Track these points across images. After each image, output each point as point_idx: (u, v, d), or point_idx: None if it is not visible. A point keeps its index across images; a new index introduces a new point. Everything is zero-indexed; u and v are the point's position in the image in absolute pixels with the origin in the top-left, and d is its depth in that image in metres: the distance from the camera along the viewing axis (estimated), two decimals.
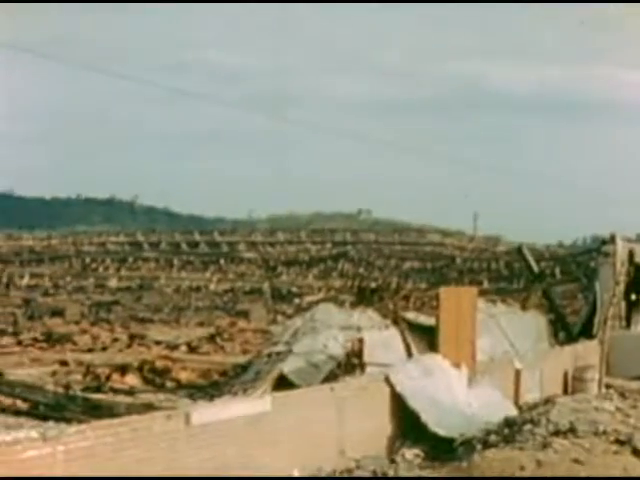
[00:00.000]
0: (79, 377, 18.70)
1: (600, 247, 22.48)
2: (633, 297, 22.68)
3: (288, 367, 14.79)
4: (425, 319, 16.03)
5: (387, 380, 12.40)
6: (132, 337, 27.32)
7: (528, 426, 12.16)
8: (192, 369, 19.55)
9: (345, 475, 10.86)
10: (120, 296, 51.07)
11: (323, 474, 10.62)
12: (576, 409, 13.43)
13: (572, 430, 11.84)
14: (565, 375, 18.13)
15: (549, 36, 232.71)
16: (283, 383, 14.25)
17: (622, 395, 16.39)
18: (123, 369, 18.93)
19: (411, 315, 16.62)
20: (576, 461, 10.65)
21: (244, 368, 17.05)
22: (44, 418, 13.68)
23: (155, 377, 18.60)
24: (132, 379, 18.33)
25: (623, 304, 22.55)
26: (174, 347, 24.79)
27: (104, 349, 24.55)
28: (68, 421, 11.94)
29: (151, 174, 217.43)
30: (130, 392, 17.04)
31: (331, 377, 14.11)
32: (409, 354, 15.39)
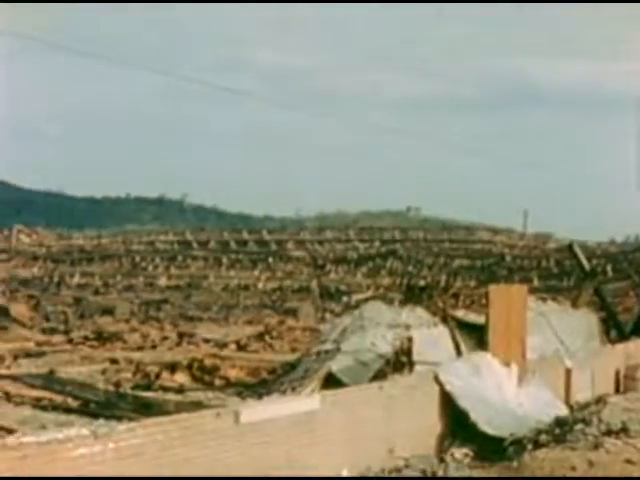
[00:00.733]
0: (129, 375, 18.82)
1: None
2: None
3: (336, 365, 14.77)
4: (474, 317, 15.91)
5: (436, 379, 12.33)
6: (181, 335, 27.48)
7: (579, 426, 12.03)
8: (241, 367, 19.60)
9: (394, 474, 10.80)
10: (169, 295, 51.40)
11: (371, 473, 10.57)
12: (628, 408, 13.29)
13: (624, 430, 11.70)
14: (617, 374, 17.92)
15: (592, 31, 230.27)
16: (331, 381, 14.23)
17: None
18: (172, 367, 19.03)
19: (460, 313, 16.52)
20: (628, 461, 10.52)
21: (293, 366, 17.04)
22: (95, 416, 13.77)
23: (204, 375, 18.67)
24: (181, 377, 18.42)
25: None
26: (223, 345, 24.88)
27: (154, 347, 24.71)
28: (118, 419, 12.00)
29: (200, 173, 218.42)
30: (179, 390, 17.13)
31: (380, 375, 14.06)
32: (458, 352, 15.30)
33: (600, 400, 15.33)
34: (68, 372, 18.96)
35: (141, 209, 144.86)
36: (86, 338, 26.49)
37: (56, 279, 59.90)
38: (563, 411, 13.67)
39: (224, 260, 63.89)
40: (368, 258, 60.94)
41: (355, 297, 46.32)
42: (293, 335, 27.73)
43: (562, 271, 52.01)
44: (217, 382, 18.26)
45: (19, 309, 34.64)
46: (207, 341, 26.09)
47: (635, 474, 10.22)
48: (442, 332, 15.74)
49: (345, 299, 46.82)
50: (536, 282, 48.03)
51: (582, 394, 15.92)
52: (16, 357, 21.61)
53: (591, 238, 62.56)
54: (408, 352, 14.81)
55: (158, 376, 18.31)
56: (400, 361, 14.77)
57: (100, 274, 62.10)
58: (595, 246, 58.39)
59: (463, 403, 12.30)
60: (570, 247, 24.85)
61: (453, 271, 55.10)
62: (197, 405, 14.20)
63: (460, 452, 11.85)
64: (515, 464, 10.79)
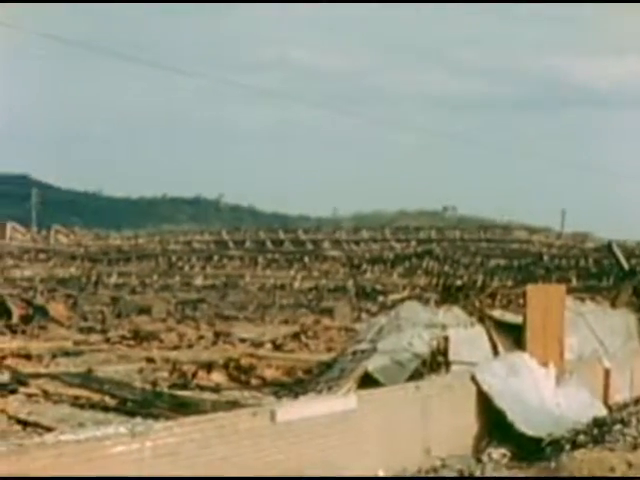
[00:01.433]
0: (166, 374, 18.87)
1: None
2: None
3: (373, 365, 14.73)
4: (512, 317, 15.81)
5: (473, 378, 12.26)
6: (217, 335, 27.54)
7: (618, 426, 11.92)
8: (277, 367, 19.60)
9: (431, 475, 10.76)
10: (205, 294, 51.57)
11: (408, 474, 10.53)
12: None
13: None
14: None
15: (631, 30, 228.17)
16: (368, 381, 14.19)
17: None
18: (209, 366, 19.06)
19: (497, 313, 16.41)
20: None
21: (328, 366, 17.01)
22: (132, 414, 13.84)
23: (240, 374, 18.68)
24: (218, 376, 18.44)
25: None
26: (259, 345, 24.90)
27: (190, 346, 24.78)
28: (155, 417, 12.06)
29: (236, 173, 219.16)
30: (216, 389, 17.15)
31: (416, 375, 14.01)
32: (495, 352, 15.20)
33: (639, 401, 15.18)
34: (105, 371, 19.06)
35: (178, 209, 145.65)
36: (123, 337, 26.62)
37: (94, 279, 60.31)
38: (601, 411, 13.55)
39: (260, 260, 64.00)
40: (404, 258, 60.78)
41: (391, 297, 46.24)
42: (329, 335, 27.70)
43: (601, 271, 51.57)
44: (253, 381, 18.27)
45: (57, 308, 34.85)
46: (243, 340, 26.12)
47: None
48: (479, 332, 15.65)
49: (381, 299, 46.75)
50: (574, 282, 47.66)
51: (621, 394, 15.78)
52: (54, 356, 21.75)
53: (630, 237, 62.01)
54: (445, 352, 14.74)
55: (194, 375, 18.35)
56: (437, 361, 14.70)
57: (137, 274, 62.45)
58: (634, 245, 57.76)
59: (500, 403, 12.23)
60: (609, 246, 24.68)
61: (490, 271, 54.84)
62: (233, 404, 14.21)
63: (497, 452, 11.78)
64: (553, 465, 10.71)
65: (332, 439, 9.64)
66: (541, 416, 12.52)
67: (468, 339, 15.29)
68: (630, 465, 10.30)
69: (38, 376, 17.93)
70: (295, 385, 17.34)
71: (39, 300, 38.49)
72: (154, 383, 17.54)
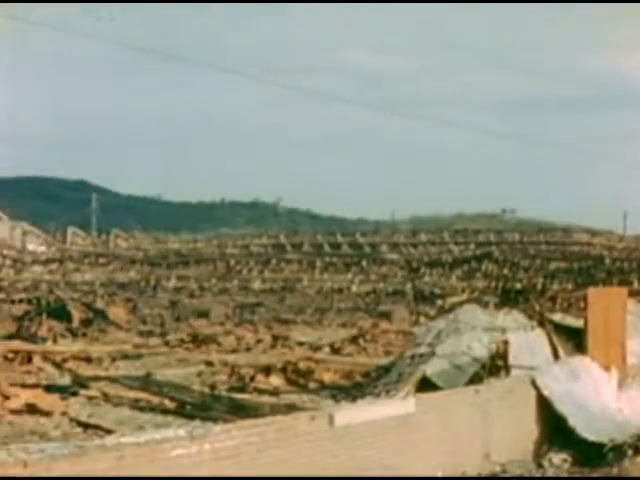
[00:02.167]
0: (224, 377, 18.94)
1: None
2: None
3: (431, 369, 14.64)
4: (572, 320, 15.61)
5: (533, 383, 12.13)
6: (275, 338, 27.57)
7: None
8: (335, 370, 19.57)
9: None
10: (263, 298, 51.71)
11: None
12: None
13: None
14: None
15: None
16: (426, 385, 14.11)
17: None
18: (267, 370, 19.09)
19: (557, 316, 16.22)
20: None
21: (386, 369, 16.95)
22: (191, 417, 13.91)
23: (298, 378, 18.69)
24: (276, 380, 18.47)
25: None
26: (317, 348, 24.90)
27: (248, 350, 24.85)
28: (214, 420, 12.10)
29: (294, 176, 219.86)
30: (274, 392, 17.18)
31: (475, 379, 13.90)
32: (556, 356, 15.02)
33: None
34: (164, 374, 19.17)
35: (236, 213, 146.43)
36: (182, 341, 26.78)
37: (153, 282, 60.83)
38: None
39: (318, 263, 64.04)
40: (463, 261, 60.43)
41: (450, 300, 45.97)
42: (387, 338, 27.60)
43: None
44: (311, 385, 18.26)
45: (117, 312, 35.20)
46: (301, 344, 26.13)
47: None
48: (539, 336, 15.48)
49: (439, 302, 46.50)
50: (636, 284, 47.01)
51: None
52: (114, 359, 21.95)
53: None
54: (504, 356, 14.60)
55: (253, 378, 18.39)
56: (496, 365, 14.57)
57: (195, 277, 62.84)
58: None
59: (561, 408, 12.08)
60: None
61: (550, 274, 54.31)
62: (291, 407, 14.21)
63: (558, 457, 11.64)
64: (615, 470, 10.56)
65: (390, 443, 9.59)
66: (603, 421, 12.34)
67: (528, 343, 15.13)
68: None
69: (98, 379, 18.10)
70: (353, 389, 17.29)
71: (99, 304, 38.91)
72: (212, 386, 17.62)
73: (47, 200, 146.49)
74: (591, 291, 14.59)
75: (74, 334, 28.66)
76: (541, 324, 15.75)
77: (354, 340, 26.55)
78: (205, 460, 7.72)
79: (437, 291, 52.75)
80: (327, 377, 18.90)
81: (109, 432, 11.83)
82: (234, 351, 24.45)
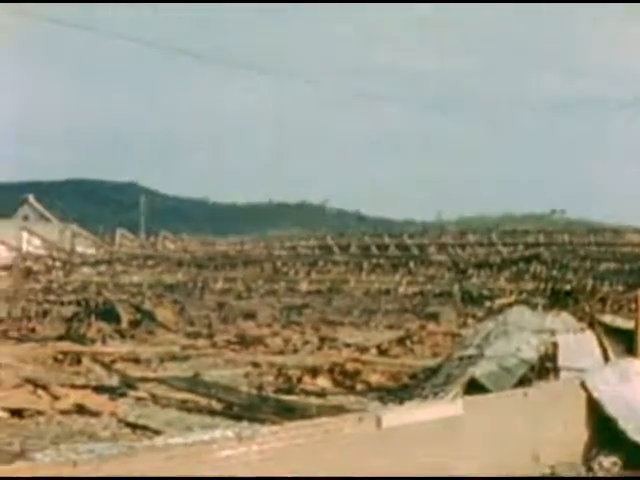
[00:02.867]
0: (271, 379, 18.97)
1: None
2: None
3: (480, 371, 14.55)
4: (623, 322, 15.45)
5: (583, 385, 12.00)
6: (322, 339, 27.57)
7: None
8: (382, 372, 19.51)
9: None
10: (310, 299, 51.73)
11: None
12: None
13: None
14: None
15: None
16: (474, 387, 14.03)
17: None
18: (314, 371, 19.09)
19: (608, 318, 16.06)
20: None
21: (434, 371, 16.88)
22: (238, 418, 13.94)
23: (345, 379, 18.65)
24: (323, 381, 18.45)
25: None
26: (364, 350, 24.84)
27: (295, 351, 24.86)
28: (261, 422, 12.13)
29: (341, 178, 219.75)
30: (321, 394, 17.16)
31: (524, 382, 13.80)
32: (605, 359, 14.88)
33: None
34: (212, 375, 19.24)
35: (283, 215, 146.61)
36: (229, 342, 26.87)
37: (200, 284, 61.09)
38: None
39: (365, 265, 63.88)
40: (511, 262, 59.94)
41: (498, 302, 45.68)
42: (434, 340, 27.47)
43: None
44: (358, 386, 18.22)
45: (165, 314, 35.40)
46: (348, 345, 26.08)
47: None
48: (589, 338, 15.34)
49: (487, 304, 46.22)
50: None
51: None
52: (162, 360, 22.07)
53: None
54: (553, 358, 14.49)
55: (300, 380, 18.40)
56: (545, 367, 14.46)
57: (242, 279, 62.99)
58: None
59: (611, 410, 11.95)
60: None
61: (600, 275, 53.72)
62: (339, 409, 14.19)
63: (608, 461, 11.51)
64: None
65: (438, 445, 9.54)
66: None
67: (578, 345, 15.00)
68: None
69: (146, 380, 18.21)
70: (400, 390, 17.23)
71: (147, 305, 39.13)
72: (260, 387, 17.65)
73: (96, 202, 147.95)
74: None
75: (122, 335, 28.88)
76: (591, 326, 15.60)
77: (401, 342, 26.45)
78: (253, 461, 7.72)
79: (485, 292, 52.42)
80: (374, 379, 18.85)
81: (157, 433, 11.90)
82: (281, 352, 24.48)
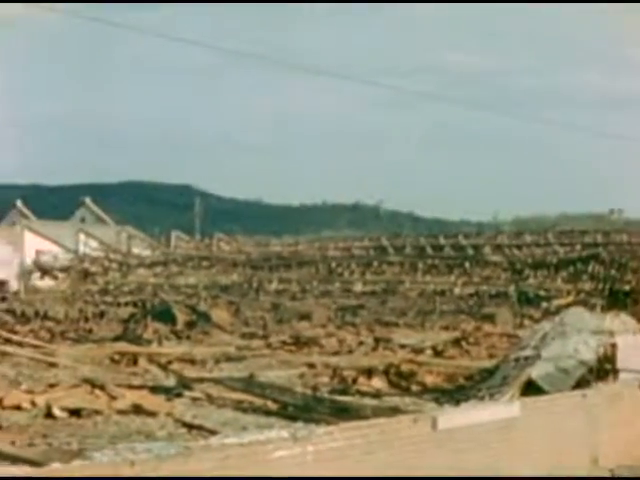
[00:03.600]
0: (326, 379, 18.96)
1: None
2: None
3: (537, 372, 14.41)
4: None
5: None
6: (377, 340, 27.51)
7: None
8: (437, 373, 19.41)
9: None
10: (365, 300, 51.68)
11: None
12: None
13: None
14: None
15: None
16: (531, 388, 13.90)
17: None
18: (369, 372, 19.04)
19: None
20: None
21: (490, 372, 16.76)
22: (293, 419, 13.93)
23: (401, 380, 18.58)
24: (378, 382, 18.40)
25: None
26: (419, 351, 24.73)
27: (350, 352, 24.82)
28: (316, 422, 12.10)
29: (395, 178, 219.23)
30: (376, 395, 17.11)
31: (582, 383, 13.64)
32: None
33: None
34: (267, 376, 19.28)
35: (337, 215, 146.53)
36: (284, 343, 26.91)
37: (255, 285, 61.32)
38: None
39: (420, 265, 63.66)
40: (568, 262, 59.34)
41: (555, 303, 45.26)
42: (490, 341, 27.28)
43: None
44: (414, 388, 18.14)
45: (220, 314, 35.61)
46: (403, 346, 26.00)
47: None
48: None
49: (544, 305, 45.81)
50: None
51: None
52: (217, 361, 22.17)
53: None
54: (612, 359, 14.29)
55: (355, 381, 18.36)
56: (604, 369, 14.27)
57: (297, 280, 63.11)
58: None
59: None
60: None
61: None
62: (394, 410, 14.13)
63: None
64: None
65: (494, 447, 9.46)
66: None
67: (637, 346, 14.79)
68: None
69: (202, 380, 18.29)
70: (456, 392, 17.12)
71: (202, 306, 39.42)
72: (315, 388, 17.64)
73: (151, 204, 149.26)
74: None
75: (178, 336, 29.07)
76: None
77: (457, 343, 26.30)
78: (308, 461, 7.72)
79: (542, 293, 51.96)
80: (430, 380, 18.75)
81: (213, 433, 11.93)
82: (336, 353, 24.46)
